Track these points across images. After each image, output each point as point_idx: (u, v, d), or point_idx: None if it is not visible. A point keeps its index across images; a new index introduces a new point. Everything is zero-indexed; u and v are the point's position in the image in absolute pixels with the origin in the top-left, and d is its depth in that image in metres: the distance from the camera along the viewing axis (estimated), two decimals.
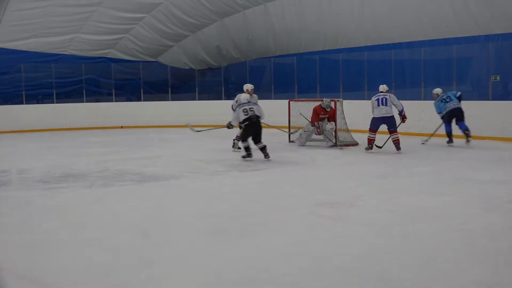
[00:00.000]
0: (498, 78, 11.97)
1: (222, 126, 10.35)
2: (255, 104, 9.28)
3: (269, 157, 8.85)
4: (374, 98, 9.74)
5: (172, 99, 18.35)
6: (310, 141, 10.95)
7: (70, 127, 16.28)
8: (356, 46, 15.51)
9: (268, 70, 17.99)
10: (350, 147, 10.45)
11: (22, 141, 13.01)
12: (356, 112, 12.67)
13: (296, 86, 16.21)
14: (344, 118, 11.07)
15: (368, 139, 9.68)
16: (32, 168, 8.34)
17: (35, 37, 17.05)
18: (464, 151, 9.60)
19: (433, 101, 10.74)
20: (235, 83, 17.71)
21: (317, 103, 11.06)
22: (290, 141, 11.41)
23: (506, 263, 3.66)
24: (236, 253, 3.96)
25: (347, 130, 10.98)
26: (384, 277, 3.43)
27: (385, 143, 9.86)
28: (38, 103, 17.22)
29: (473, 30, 12.80)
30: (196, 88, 18.78)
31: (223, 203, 5.72)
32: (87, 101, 17.79)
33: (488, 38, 12.46)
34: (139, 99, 18.41)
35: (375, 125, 9.66)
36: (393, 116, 9.56)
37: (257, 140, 9.01)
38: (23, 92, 16.88)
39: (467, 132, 10.11)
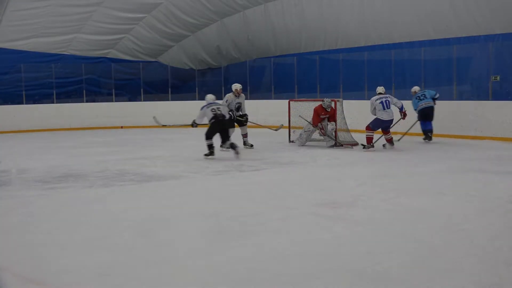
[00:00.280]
0: (498, 78, 11.97)
1: (187, 126, 10.40)
2: (222, 104, 9.62)
3: (239, 154, 9.11)
4: (377, 101, 9.87)
5: (172, 99, 18.35)
6: (310, 141, 10.95)
7: (70, 127, 16.28)
8: (356, 46, 15.51)
9: (268, 70, 17.98)
10: (350, 147, 10.44)
11: (22, 141, 13.01)
12: (356, 112, 12.68)
13: (296, 86, 16.20)
14: (344, 118, 11.07)
15: (368, 138, 9.79)
16: (32, 168, 8.34)
17: (35, 37, 17.05)
18: (464, 151, 9.60)
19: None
20: (235, 83, 17.72)
21: (317, 103, 11.06)
22: (290, 141, 11.41)
23: (506, 263, 3.66)
24: (236, 253, 3.96)
25: (347, 130, 10.98)
26: (384, 277, 3.43)
27: (376, 141, 10.04)
28: (35, 103, 17.22)
29: (473, 30, 12.80)
30: (196, 88, 18.78)
31: (223, 203, 5.72)
32: (87, 101, 17.79)
33: (488, 38, 12.46)
34: (139, 99, 18.41)
35: (378, 126, 9.89)
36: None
37: (225, 139, 9.29)
38: (23, 92, 16.88)
39: (430, 133, 10.81)
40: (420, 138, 11.08)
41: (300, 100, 12.45)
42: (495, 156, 8.85)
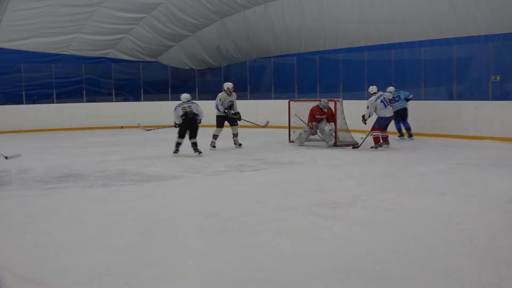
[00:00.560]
0: (498, 78, 11.97)
1: (170, 126, 10.63)
2: (194, 102, 9.85)
3: (199, 152, 9.50)
4: (377, 100, 9.95)
5: (172, 99, 18.29)
6: (309, 141, 10.95)
7: (70, 127, 16.28)
8: (356, 46, 15.51)
9: (268, 70, 17.98)
10: (350, 147, 10.44)
11: (22, 141, 13.01)
12: (356, 112, 12.67)
13: (296, 86, 16.20)
14: (344, 118, 11.07)
15: (376, 138, 9.82)
16: (32, 168, 8.34)
17: (35, 37, 17.05)
18: (464, 151, 9.60)
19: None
20: (235, 83, 17.70)
21: (317, 103, 11.09)
22: (290, 141, 11.42)
23: (506, 263, 3.66)
24: (236, 253, 3.96)
25: (347, 130, 10.98)
26: (384, 277, 3.43)
27: (363, 141, 10.15)
28: (35, 103, 17.22)
29: (473, 30, 12.80)
30: (196, 88, 18.78)
31: (223, 203, 5.72)
32: (87, 101, 17.79)
33: (488, 38, 12.46)
34: (139, 99, 18.41)
35: (383, 124, 9.99)
36: None
37: (191, 136, 9.61)
38: (23, 92, 16.88)
39: (409, 130, 11.57)
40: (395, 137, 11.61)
41: (300, 100, 12.45)
42: (495, 156, 8.85)
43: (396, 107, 11.28)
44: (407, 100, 11.66)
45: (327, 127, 10.38)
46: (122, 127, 16.87)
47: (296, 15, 16.54)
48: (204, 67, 20.69)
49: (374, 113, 10.05)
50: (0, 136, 14.09)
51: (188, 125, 9.57)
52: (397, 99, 11.48)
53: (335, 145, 10.38)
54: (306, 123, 10.66)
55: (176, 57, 20.29)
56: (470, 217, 4.94)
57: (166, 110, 17.03)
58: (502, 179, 6.80)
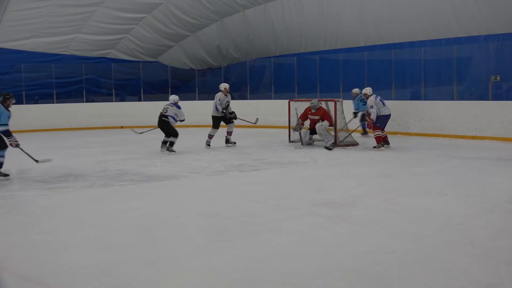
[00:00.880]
0: (498, 78, 11.98)
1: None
2: (173, 105, 10.37)
3: (169, 151, 10.02)
4: (377, 99, 9.96)
5: None
6: (310, 141, 10.94)
7: (70, 127, 16.28)
8: (356, 46, 15.51)
9: (268, 70, 17.98)
10: (350, 147, 10.45)
11: (22, 141, 12.97)
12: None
13: (296, 86, 16.20)
14: (344, 118, 11.08)
15: (377, 137, 9.86)
16: (32, 168, 8.34)
17: (35, 37, 17.05)
18: (464, 151, 9.59)
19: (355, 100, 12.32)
20: (235, 83, 17.72)
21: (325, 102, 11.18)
22: (290, 141, 11.41)
23: (506, 263, 3.66)
24: (236, 253, 3.96)
25: (347, 130, 10.99)
26: (384, 277, 3.43)
27: (344, 139, 10.36)
28: (35, 103, 17.21)
29: (473, 30, 12.80)
30: (196, 88, 18.78)
31: (223, 203, 5.72)
32: (87, 101, 17.79)
33: (488, 38, 12.46)
34: (139, 99, 18.40)
35: (384, 122, 10.02)
36: None
37: (165, 135, 10.31)
38: (23, 92, 16.88)
39: (366, 130, 12.24)
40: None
41: (300, 100, 12.45)
42: (495, 156, 8.85)
43: (365, 110, 11.49)
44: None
45: (317, 125, 10.48)
46: (122, 127, 16.86)
47: (296, 15, 16.54)
48: (204, 67, 20.69)
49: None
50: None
51: (159, 125, 10.31)
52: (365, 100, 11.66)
53: (335, 144, 10.38)
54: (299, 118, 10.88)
55: (176, 57, 20.28)
56: (470, 217, 4.94)
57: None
58: (502, 179, 6.80)
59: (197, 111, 16.91)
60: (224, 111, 10.82)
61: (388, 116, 10.10)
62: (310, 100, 10.85)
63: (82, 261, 3.85)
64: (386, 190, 6.21)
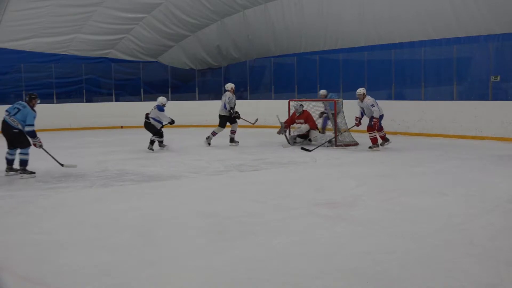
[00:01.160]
0: (498, 78, 11.97)
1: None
2: (155, 108, 10.54)
3: (152, 150, 10.30)
4: (373, 99, 9.91)
5: (172, 99, 18.28)
6: (297, 142, 11.08)
7: (70, 127, 16.27)
8: (356, 46, 15.51)
9: (268, 70, 17.98)
10: (350, 147, 10.45)
11: None
12: (356, 112, 12.67)
13: (296, 86, 16.20)
14: (344, 118, 11.07)
15: (374, 138, 9.85)
16: (32, 168, 8.33)
17: (35, 37, 17.04)
18: (464, 151, 9.60)
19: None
20: (235, 83, 17.71)
21: (317, 103, 11.16)
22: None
23: (506, 263, 3.66)
24: (236, 253, 3.96)
25: (347, 130, 10.99)
26: (384, 277, 3.43)
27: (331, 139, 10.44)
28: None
29: (473, 30, 12.80)
30: (196, 88, 18.78)
31: (223, 203, 5.72)
32: (87, 101, 17.78)
33: (488, 38, 12.46)
34: (139, 99, 18.40)
35: (380, 122, 9.96)
36: None
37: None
38: (23, 92, 16.86)
39: (324, 130, 12.37)
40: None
41: (300, 100, 12.45)
42: (495, 156, 8.85)
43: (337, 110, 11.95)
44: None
45: (298, 125, 10.81)
46: (122, 127, 16.86)
47: (296, 15, 16.54)
48: (204, 67, 20.69)
49: (364, 114, 10.07)
50: (0, 136, 14.09)
51: (144, 126, 10.68)
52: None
53: (335, 145, 10.40)
54: (283, 123, 11.09)
55: (176, 57, 20.27)
56: (470, 217, 4.94)
57: (166, 110, 17.09)
58: (502, 179, 6.80)
59: (197, 111, 16.94)
60: (231, 110, 11.04)
61: (382, 117, 10.02)
62: (310, 100, 10.89)
63: (82, 261, 3.85)
64: (386, 190, 6.21)
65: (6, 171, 7.86)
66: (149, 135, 10.59)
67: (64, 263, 3.83)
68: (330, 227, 4.65)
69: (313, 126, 10.91)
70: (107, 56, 19.13)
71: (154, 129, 10.47)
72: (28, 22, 16.24)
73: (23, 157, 7.82)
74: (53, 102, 17.07)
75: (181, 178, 7.43)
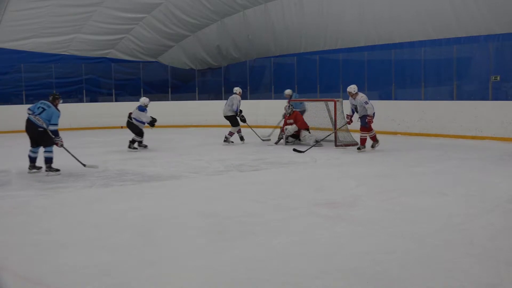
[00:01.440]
0: (498, 78, 11.98)
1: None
2: (137, 108, 11.00)
3: (136, 149, 10.60)
4: (366, 96, 9.80)
5: (172, 99, 18.34)
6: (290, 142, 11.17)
7: (70, 127, 16.27)
8: (356, 46, 15.51)
9: (268, 70, 17.99)
10: (350, 147, 10.45)
11: (22, 141, 12.97)
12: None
13: (296, 86, 16.20)
14: (344, 118, 11.06)
15: (364, 139, 9.70)
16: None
17: (35, 37, 17.05)
18: (464, 151, 9.60)
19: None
20: (235, 83, 17.72)
21: (317, 103, 11.18)
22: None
23: (506, 263, 3.66)
24: (236, 253, 3.96)
25: (347, 130, 10.98)
26: (384, 277, 3.43)
27: (324, 139, 10.44)
28: (35, 103, 17.21)
29: (473, 30, 12.80)
30: (196, 88, 18.78)
31: (223, 203, 5.72)
32: (87, 101, 17.78)
33: (488, 38, 12.47)
34: (139, 99, 18.38)
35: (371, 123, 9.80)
36: None
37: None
38: (23, 92, 16.88)
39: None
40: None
41: (300, 100, 12.46)
42: (495, 156, 8.85)
43: (300, 108, 12.22)
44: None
45: (289, 127, 10.92)
46: (122, 127, 16.84)
47: (296, 15, 16.55)
48: (204, 67, 20.69)
49: (356, 113, 9.89)
50: (0, 136, 14.10)
51: (127, 125, 10.92)
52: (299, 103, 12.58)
53: (336, 145, 10.41)
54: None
55: (176, 57, 20.28)
56: (470, 217, 4.94)
57: (166, 110, 17.11)
58: (502, 179, 6.80)
59: (197, 111, 16.94)
60: (238, 112, 11.56)
61: (373, 115, 9.74)
62: (310, 100, 10.91)
63: (82, 261, 3.85)
64: (386, 190, 6.21)
65: (29, 168, 7.98)
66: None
67: (64, 263, 3.83)
68: (330, 227, 4.65)
69: (301, 126, 11.00)
70: (107, 56, 19.14)
71: (137, 129, 10.72)
72: (28, 22, 16.26)
73: (48, 155, 7.95)
74: None
75: (181, 178, 7.42)
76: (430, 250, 3.95)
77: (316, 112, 11.73)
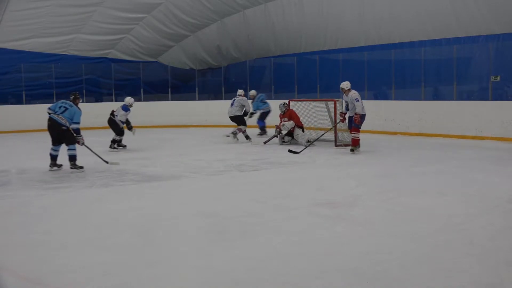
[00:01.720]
0: (498, 78, 11.97)
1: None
2: (120, 107, 11.28)
3: (116, 149, 10.86)
4: (358, 94, 9.66)
5: (172, 99, 18.34)
6: (286, 142, 11.17)
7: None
8: (356, 46, 15.51)
9: (268, 70, 17.98)
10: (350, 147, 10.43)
11: (22, 141, 13.01)
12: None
13: (296, 86, 16.21)
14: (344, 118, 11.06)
15: (356, 140, 9.51)
16: (32, 168, 8.34)
17: (35, 37, 17.04)
18: (464, 151, 9.60)
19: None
20: (235, 83, 17.72)
21: (317, 103, 11.16)
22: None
23: (506, 263, 3.66)
24: (236, 253, 3.96)
25: (347, 130, 10.98)
26: (384, 277, 3.43)
27: (317, 139, 10.43)
28: (35, 103, 17.21)
29: (473, 30, 12.80)
30: (196, 88, 18.78)
31: (223, 203, 5.72)
32: (87, 101, 17.78)
33: (488, 38, 12.46)
34: (139, 99, 18.40)
35: (361, 123, 9.60)
36: None
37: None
38: (23, 92, 16.88)
39: (264, 129, 13.15)
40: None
41: (300, 100, 12.46)
42: (495, 156, 8.85)
43: (265, 108, 13.09)
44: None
45: (286, 123, 10.97)
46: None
47: (296, 15, 16.54)
48: (204, 67, 20.69)
49: (348, 113, 9.74)
50: (0, 136, 14.10)
51: (108, 122, 11.09)
52: (265, 102, 13.24)
53: (336, 145, 10.42)
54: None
55: (176, 57, 20.28)
56: (470, 217, 4.94)
57: (166, 110, 17.12)
58: (502, 179, 6.80)
59: (197, 111, 16.94)
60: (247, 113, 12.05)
61: (364, 117, 9.59)
62: (310, 100, 10.92)
63: (82, 261, 3.85)
64: (386, 190, 6.21)
65: (50, 166, 8.11)
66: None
67: (64, 263, 3.83)
68: (330, 227, 4.65)
69: (297, 122, 11.04)
70: (107, 56, 19.14)
71: (118, 128, 10.89)
72: (28, 22, 16.26)
73: (72, 152, 8.09)
74: (53, 102, 17.06)
75: (181, 178, 7.42)
76: (430, 250, 3.95)
77: (316, 112, 11.73)
